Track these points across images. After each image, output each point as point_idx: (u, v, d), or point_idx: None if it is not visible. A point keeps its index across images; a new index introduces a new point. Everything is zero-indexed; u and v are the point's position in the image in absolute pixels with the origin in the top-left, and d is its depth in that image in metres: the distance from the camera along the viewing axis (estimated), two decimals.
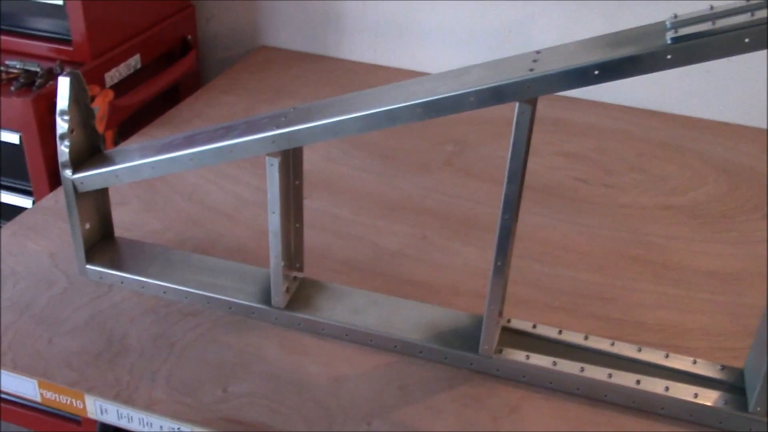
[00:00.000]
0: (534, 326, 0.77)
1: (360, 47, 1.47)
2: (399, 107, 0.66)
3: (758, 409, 0.68)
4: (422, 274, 0.90)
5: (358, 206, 1.02)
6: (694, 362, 0.73)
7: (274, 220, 0.74)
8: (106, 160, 0.80)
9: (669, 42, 0.57)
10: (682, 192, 1.08)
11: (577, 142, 1.20)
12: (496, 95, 0.63)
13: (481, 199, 1.04)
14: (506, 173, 0.66)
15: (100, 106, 1.13)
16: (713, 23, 0.56)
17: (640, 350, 0.74)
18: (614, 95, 1.32)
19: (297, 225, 0.80)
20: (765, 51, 0.56)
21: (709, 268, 0.92)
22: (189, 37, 1.42)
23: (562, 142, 1.20)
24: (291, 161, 0.76)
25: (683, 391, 0.70)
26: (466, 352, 0.75)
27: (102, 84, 1.17)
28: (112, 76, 1.20)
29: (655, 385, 0.71)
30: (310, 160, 1.11)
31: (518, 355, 0.74)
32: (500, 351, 0.74)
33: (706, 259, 0.94)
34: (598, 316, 0.84)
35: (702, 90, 1.28)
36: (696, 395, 0.70)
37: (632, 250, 0.95)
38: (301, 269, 0.83)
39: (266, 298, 0.80)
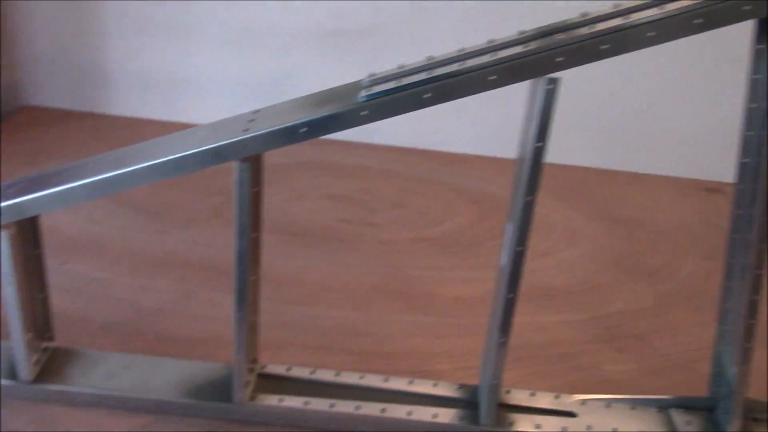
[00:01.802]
0: (288, 369, 0.80)
1: (128, 102, 1.46)
2: (123, 172, 0.67)
3: (488, 420, 0.74)
4: (186, 329, 0.90)
5: (120, 266, 1.01)
6: (435, 384, 0.79)
7: (10, 293, 0.73)
8: None
9: (363, 99, 0.63)
10: (437, 224, 1.16)
11: (343, 184, 1.26)
12: (216, 156, 0.66)
13: None
14: (234, 229, 0.68)
15: None
16: (399, 81, 0.63)
17: (386, 380, 0.80)
18: (380, 136, 1.40)
19: (42, 294, 0.78)
20: (512, 86, 0.62)
21: (457, 293, 1.00)
22: None
23: (329, 185, 1.26)
24: (28, 230, 0.75)
25: (424, 413, 0.76)
26: (222, 402, 0.76)
27: None
28: None
29: (399, 411, 0.76)
30: (72, 223, 1.09)
31: (272, 400, 0.76)
32: (254, 397, 0.76)
33: (454, 285, 1.02)
34: (354, 351, 0.88)
35: (456, 126, 1.39)
36: (435, 416, 0.76)
37: (389, 284, 1.01)
38: (51, 338, 0.81)
39: (13, 373, 0.77)
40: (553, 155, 1.35)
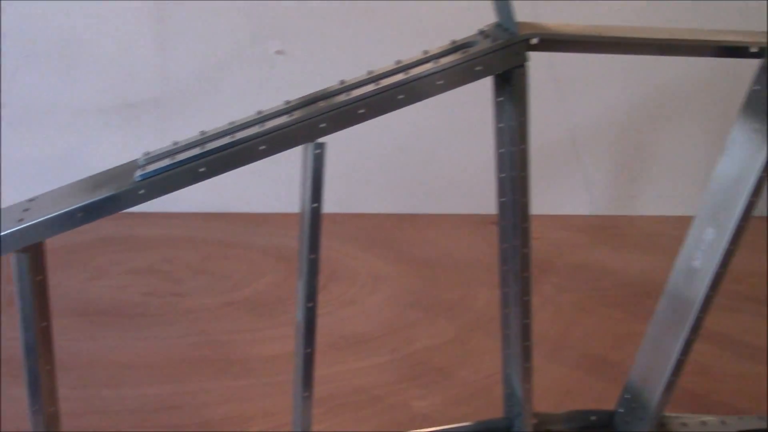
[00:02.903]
0: None
1: None
2: None
3: None
4: None
5: None
6: None
7: None
8: None
9: (139, 179, 0.64)
10: (244, 286, 1.18)
11: (145, 256, 1.25)
12: None
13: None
14: (20, 321, 0.66)
15: None
16: (173, 158, 0.64)
17: None
18: (181, 204, 1.39)
19: None
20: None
21: (269, 353, 1.02)
22: None
23: (130, 259, 1.23)
24: None
25: None
26: None
27: None
28: None
29: None
30: None
31: None
32: None
33: (265, 345, 1.03)
34: (167, 425, 0.87)
35: (255, 186, 1.41)
36: None
37: (200, 353, 1.01)
38: None
39: None
40: (354, 205, 1.42)
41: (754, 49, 0.72)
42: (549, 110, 1.44)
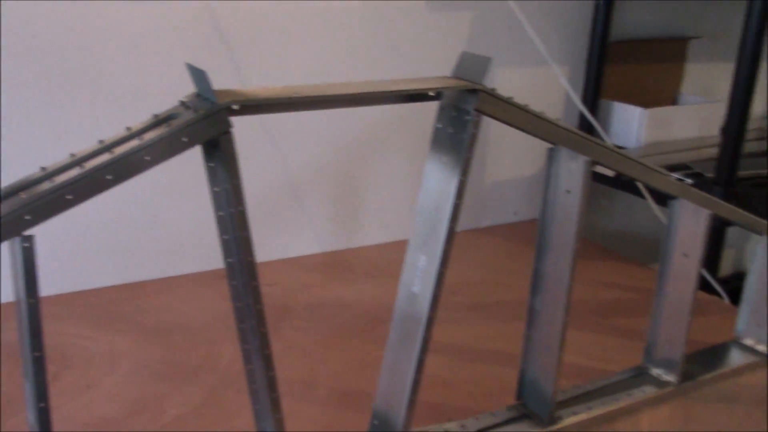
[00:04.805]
0: None
1: None
2: None
3: None
4: None
5: None
6: None
7: None
8: None
9: None
10: None
11: None
12: None
13: None
14: None
15: None
16: None
17: None
18: None
19: None
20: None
21: None
22: None
23: None
24: None
25: None
26: None
27: None
28: None
29: None
30: None
31: None
32: None
33: None
34: None
35: None
36: None
37: None
38: None
39: None
40: (81, 283, 1.34)
41: (432, 93, 0.81)
42: (267, 163, 1.49)
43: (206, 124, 0.66)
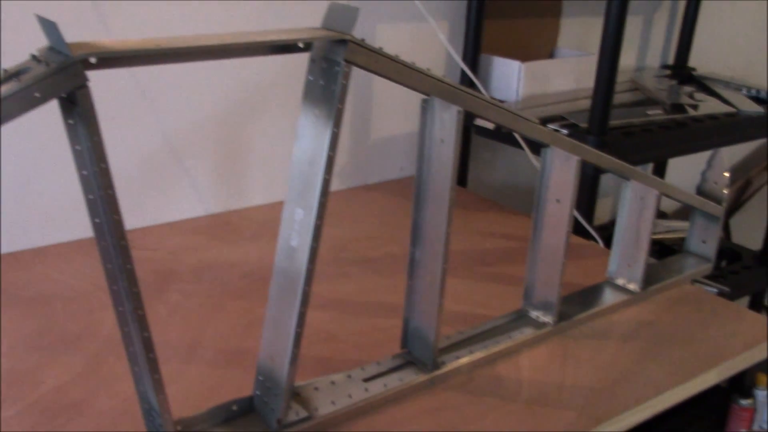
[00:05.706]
0: None
1: None
2: None
3: None
4: None
5: None
6: None
7: None
8: None
9: None
10: None
11: None
12: None
13: None
14: None
15: None
16: None
17: None
18: None
19: None
20: None
21: None
22: None
23: None
24: None
25: None
26: None
27: None
28: None
29: None
30: None
31: None
32: None
33: None
34: None
35: None
36: None
37: None
38: None
39: None
40: None
41: (301, 45, 0.80)
42: (143, 122, 1.44)
43: (60, 78, 0.63)
